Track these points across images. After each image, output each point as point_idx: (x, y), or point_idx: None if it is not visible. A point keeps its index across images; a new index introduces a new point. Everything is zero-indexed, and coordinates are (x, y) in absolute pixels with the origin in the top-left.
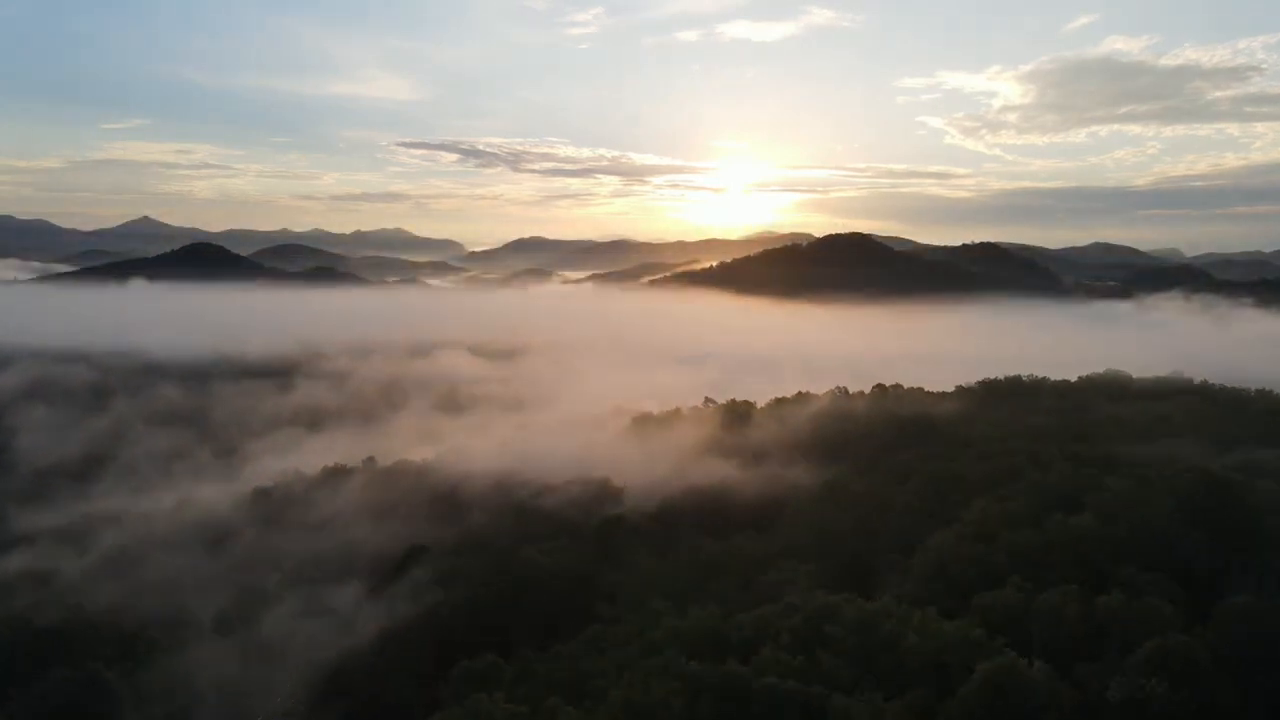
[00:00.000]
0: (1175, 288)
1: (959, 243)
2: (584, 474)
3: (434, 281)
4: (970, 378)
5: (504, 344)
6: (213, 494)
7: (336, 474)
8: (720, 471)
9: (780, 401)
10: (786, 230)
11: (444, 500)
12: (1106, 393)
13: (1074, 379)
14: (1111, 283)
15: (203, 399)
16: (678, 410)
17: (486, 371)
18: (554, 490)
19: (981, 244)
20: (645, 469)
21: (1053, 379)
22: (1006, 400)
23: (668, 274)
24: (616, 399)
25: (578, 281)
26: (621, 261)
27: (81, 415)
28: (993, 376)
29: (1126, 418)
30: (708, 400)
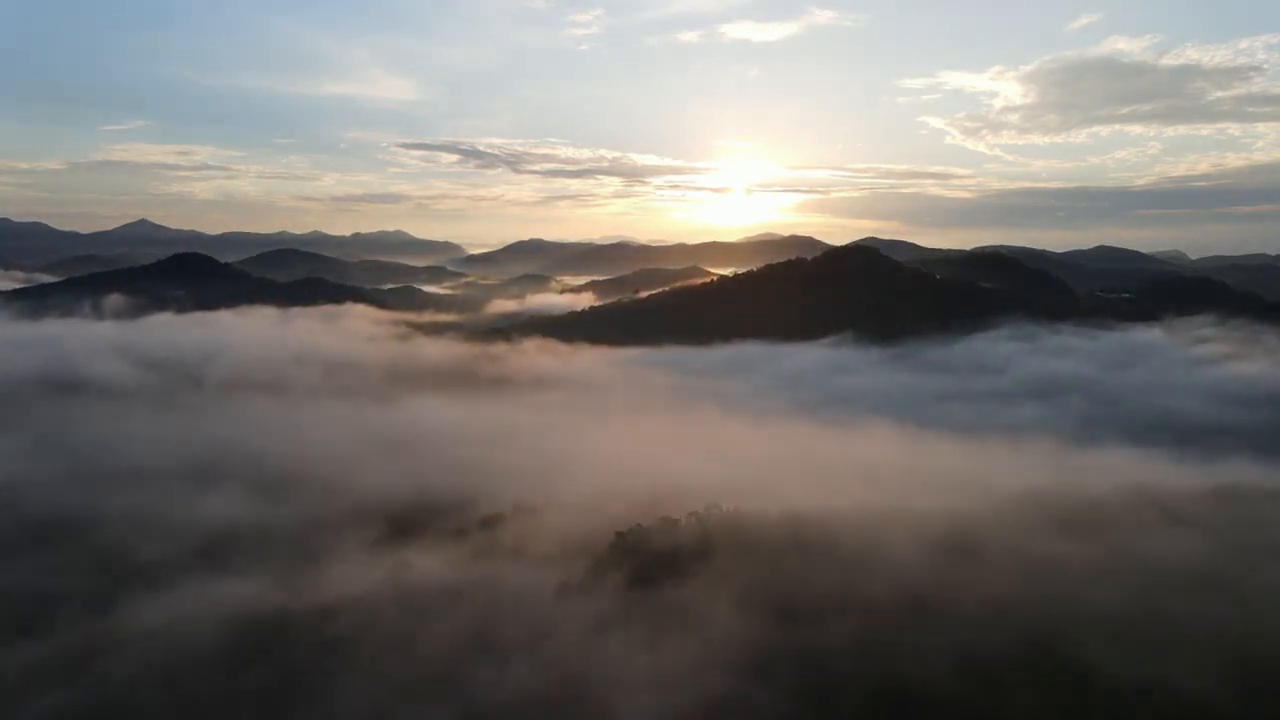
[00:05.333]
0: (1205, 308)
1: (963, 246)
2: (554, 656)
3: (430, 288)
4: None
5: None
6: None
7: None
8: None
9: (796, 521)
10: (788, 233)
11: None
12: None
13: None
14: (1125, 295)
15: (97, 510)
16: (673, 523)
17: (449, 461)
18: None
19: (991, 253)
20: (644, 668)
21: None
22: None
23: (665, 288)
24: (599, 497)
25: (577, 290)
26: (622, 265)
27: None
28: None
29: None
30: (711, 506)
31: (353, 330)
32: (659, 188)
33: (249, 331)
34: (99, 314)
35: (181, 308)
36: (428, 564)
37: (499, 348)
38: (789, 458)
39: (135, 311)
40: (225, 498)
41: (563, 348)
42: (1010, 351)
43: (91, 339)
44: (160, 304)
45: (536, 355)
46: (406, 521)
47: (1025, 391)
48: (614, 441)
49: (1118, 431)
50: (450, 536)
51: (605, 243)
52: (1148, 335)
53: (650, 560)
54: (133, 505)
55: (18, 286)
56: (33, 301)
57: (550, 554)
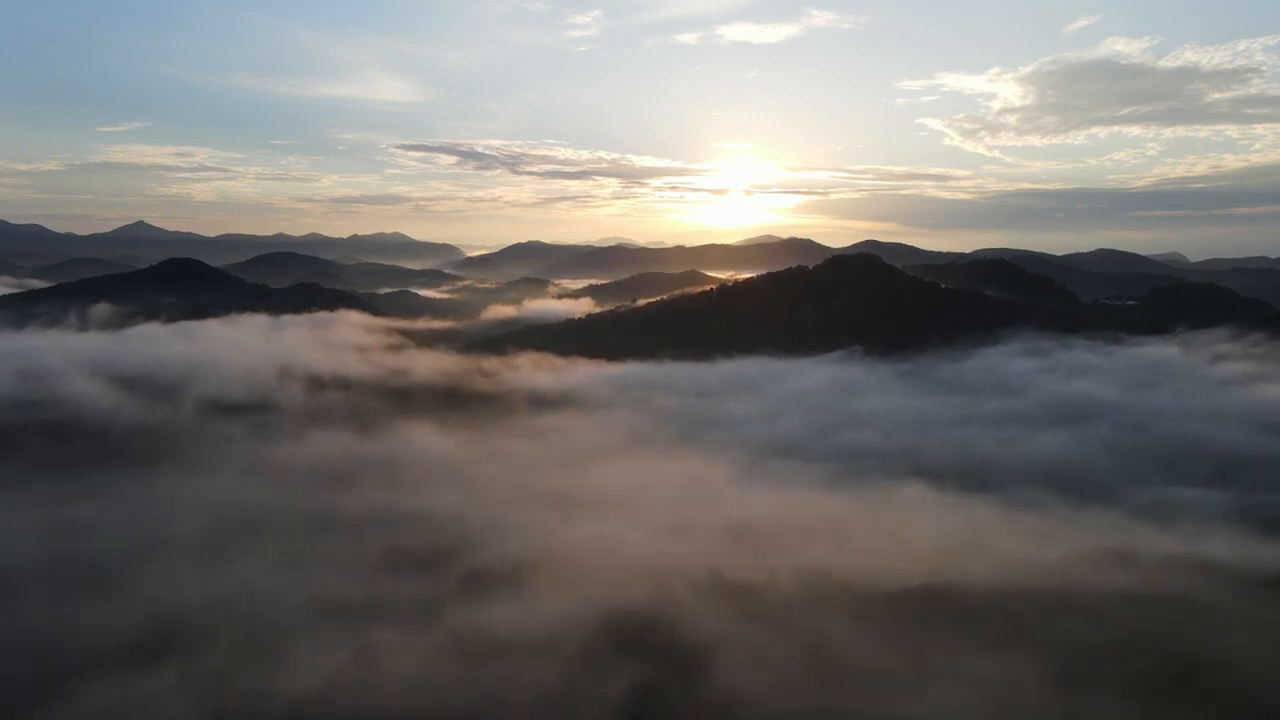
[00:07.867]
0: (1215, 316)
1: (963, 248)
2: None
3: (426, 292)
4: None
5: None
6: None
7: None
8: None
9: (812, 597)
10: (787, 234)
11: None
12: None
13: None
14: (1131, 301)
15: (11, 590)
16: (672, 598)
17: (429, 504)
18: None
19: (993, 259)
20: None
21: None
22: None
23: (664, 296)
24: (591, 552)
25: (575, 294)
26: (620, 268)
27: None
28: None
29: None
30: (713, 573)
31: (343, 340)
32: (658, 189)
33: (235, 343)
34: (84, 323)
35: (171, 316)
36: (394, 648)
37: (492, 362)
38: (799, 505)
39: (122, 320)
40: (168, 569)
41: (558, 362)
42: (1024, 369)
43: (68, 353)
44: (150, 311)
45: (530, 372)
46: (377, 585)
47: (1046, 416)
48: (608, 482)
49: (1153, 463)
50: (424, 606)
51: (603, 245)
52: (1165, 351)
53: (646, 651)
54: (56, 584)
55: (8, 291)
56: (17, 310)
57: (533, 637)
